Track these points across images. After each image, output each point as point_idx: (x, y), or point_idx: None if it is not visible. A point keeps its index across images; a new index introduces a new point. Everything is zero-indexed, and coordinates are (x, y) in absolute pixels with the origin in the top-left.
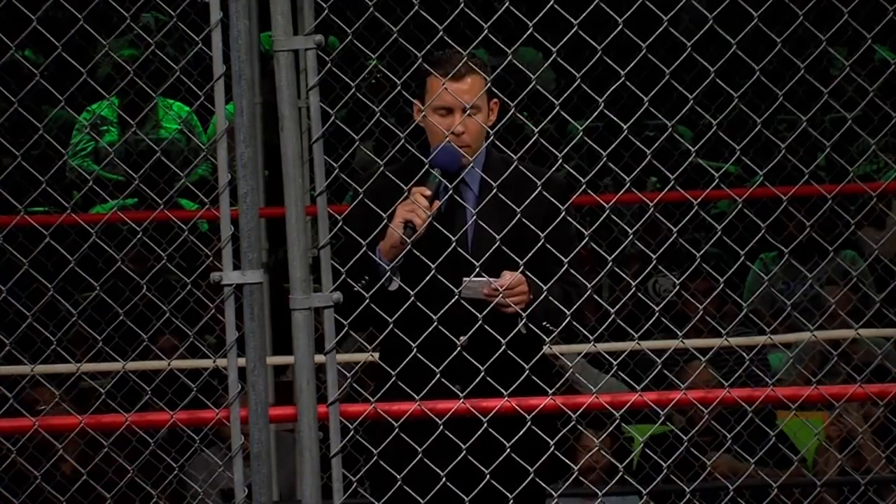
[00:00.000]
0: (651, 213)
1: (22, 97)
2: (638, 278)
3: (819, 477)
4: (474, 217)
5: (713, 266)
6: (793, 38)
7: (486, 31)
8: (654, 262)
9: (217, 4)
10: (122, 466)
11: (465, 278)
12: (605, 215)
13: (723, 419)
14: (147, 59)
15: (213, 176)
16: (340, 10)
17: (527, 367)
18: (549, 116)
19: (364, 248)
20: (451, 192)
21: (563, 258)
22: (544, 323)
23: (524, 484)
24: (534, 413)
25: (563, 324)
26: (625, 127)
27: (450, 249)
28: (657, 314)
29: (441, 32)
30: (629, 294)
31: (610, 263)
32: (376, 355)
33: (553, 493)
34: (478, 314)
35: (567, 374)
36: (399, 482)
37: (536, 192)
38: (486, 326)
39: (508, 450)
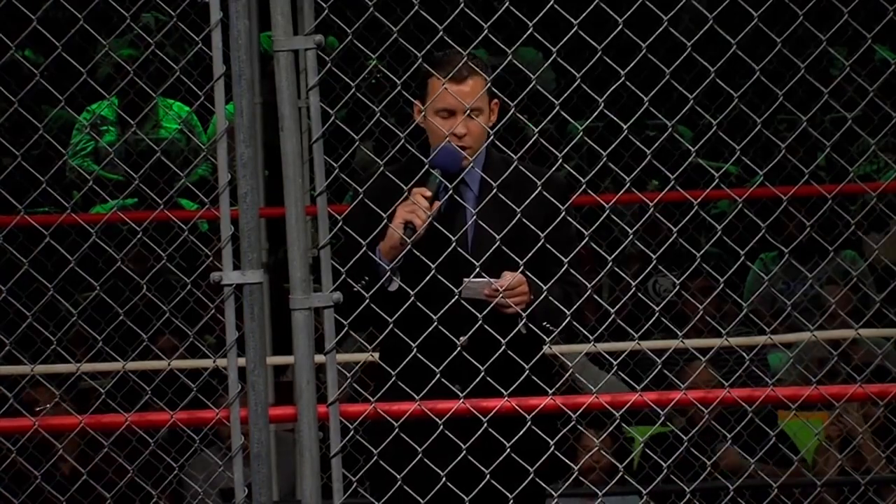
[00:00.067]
0: (651, 213)
1: (22, 97)
2: (638, 278)
3: (819, 477)
4: (474, 217)
5: (713, 266)
6: (793, 38)
7: (486, 31)
8: (654, 262)
9: (217, 4)
10: (122, 466)
11: (465, 279)
12: (605, 215)
13: (723, 419)
14: (147, 59)
15: (213, 176)
16: (340, 10)
17: (527, 367)
18: (549, 116)
19: (364, 249)
20: (450, 192)
21: (563, 258)
22: (544, 323)
23: (524, 484)
24: (534, 413)
25: (563, 324)
26: (625, 127)
27: (450, 249)
28: (657, 314)
29: (441, 32)
30: (629, 294)
31: (610, 263)
32: (376, 355)
33: (553, 493)
34: (478, 314)
35: (567, 375)
36: (399, 482)
37: (536, 192)
38: (486, 326)
39: (508, 450)
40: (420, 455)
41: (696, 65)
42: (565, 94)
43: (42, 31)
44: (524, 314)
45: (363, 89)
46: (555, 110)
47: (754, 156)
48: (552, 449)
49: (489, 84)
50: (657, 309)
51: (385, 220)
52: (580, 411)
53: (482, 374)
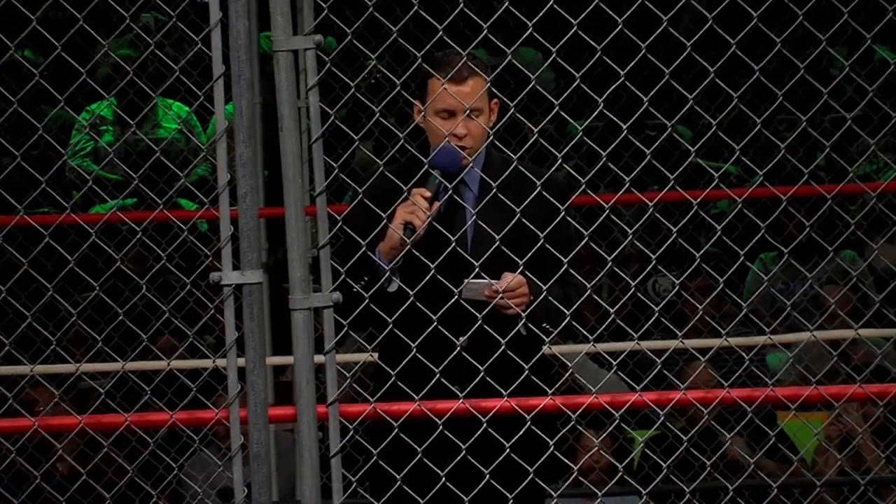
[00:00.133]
0: (651, 213)
1: (22, 97)
2: (638, 278)
3: (819, 477)
4: (474, 217)
5: (713, 266)
6: (793, 38)
7: (485, 31)
8: (654, 262)
9: (217, 4)
10: (122, 466)
11: (465, 280)
12: (604, 215)
13: (723, 419)
14: (146, 59)
15: (213, 176)
16: (340, 10)
17: (526, 367)
18: (549, 116)
19: (364, 249)
20: (450, 192)
21: (562, 258)
22: (544, 324)
23: (524, 484)
24: (534, 413)
25: (563, 324)
26: (624, 127)
27: (449, 250)
28: (657, 314)
29: (441, 32)
30: (629, 294)
31: (610, 263)
32: (376, 355)
33: (553, 493)
34: (477, 314)
35: (567, 374)
36: (399, 482)
37: (536, 192)
38: (485, 327)
39: (508, 450)
40: (420, 455)
41: (695, 65)
42: (565, 94)
43: (42, 31)
44: (524, 315)
45: (363, 89)
46: (554, 110)
47: (754, 156)
48: (552, 449)
49: (489, 84)
50: (657, 309)
51: (385, 221)
52: (580, 411)
53: (482, 374)
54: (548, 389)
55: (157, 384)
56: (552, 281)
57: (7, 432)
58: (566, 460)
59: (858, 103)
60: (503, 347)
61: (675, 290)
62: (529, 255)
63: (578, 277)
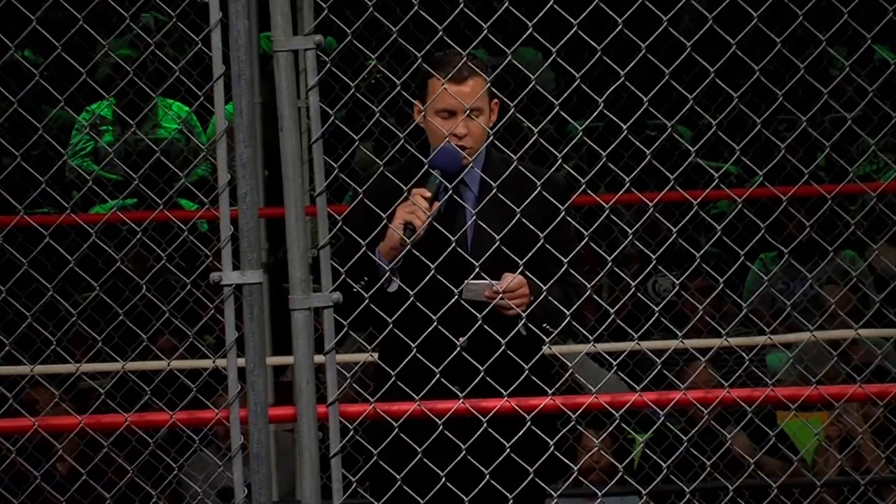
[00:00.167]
0: (651, 213)
1: (22, 97)
2: (638, 278)
3: (819, 477)
4: (474, 218)
5: (713, 266)
6: (793, 38)
7: (485, 31)
8: (654, 262)
9: (217, 4)
10: (122, 466)
11: (466, 280)
12: (604, 215)
13: (723, 419)
14: (146, 59)
15: (213, 176)
16: (340, 10)
17: (526, 367)
18: (549, 116)
19: (364, 249)
20: (450, 192)
21: (562, 258)
22: (544, 324)
23: (524, 484)
24: (534, 413)
25: (563, 324)
26: (624, 127)
27: (449, 250)
28: (657, 314)
29: (441, 32)
30: (629, 294)
31: (610, 263)
32: (376, 355)
33: (553, 493)
34: (477, 314)
35: (567, 374)
36: (399, 482)
37: (536, 192)
38: (485, 327)
39: (508, 450)
40: (420, 455)
41: (695, 65)
42: (565, 94)
43: (42, 31)
44: (524, 315)
45: (363, 89)
46: (554, 110)
47: (754, 156)
48: (552, 449)
49: (489, 84)
50: (657, 309)
51: (385, 221)
52: (580, 411)
53: (482, 374)
54: (548, 389)
55: (157, 384)
56: (552, 281)
57: (7, 432)
58: (566, 460)
59: (858, 103)
60: (503, 347)
61: (675, 290)
62: (529, 255)
63: (578, 277)
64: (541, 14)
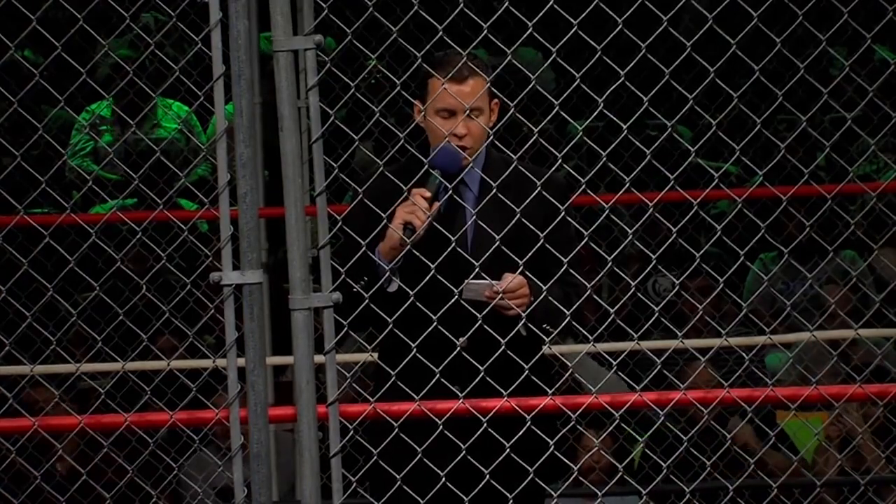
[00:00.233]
0: (651, 213)
1: (22, 97)
2: (637, 278)
3: (819, 477)
4: (474, 218)
5: (713, 266)
6: (793, 38)
7: (485, 31)
8: (654, 262)
9: (217, 4)
10: (122, 466)
11: (466, 280)
12: (604, 215)
13: (722, 419)
14: (146, 59)
15: (213, 176)
16: (340, 10)
17: (526, 367)
18: (549, 116)
19: (364, 249)
20: (450, 192)
21: (562, 258)
22: (544, 324)
23: (524, 484)
24: (534, 413)
25: (563, 324)
26: (625, 127)
27: (449, 250)
28: (657, 314)
29: (441, 32)
30: (629, 294)
31: (610, 263)
32: (376, 355)
33: (553, 493)
34: (477, 314)
35: (567, 374)
36: (399, 482)
37: (536, 192)
38: (485, 327)
39: (508, 450)
40: (420, 455)
41: (695, 65)
42: (565, 94)
43: (42, 31)
44: (524, 315)
45: (363, 89)
46: (554, 110)
47: (754, 156)
48: (552, 449)
49: (489, 84)
50: (657, 309)
51: (385, 221)
52: (580, 411)
53: (482, 374)
54: (548, 389)
55: (157, 384)
56: (552, 281)
57: (7, 432)
58: (566, 460)
59: (858, 103)
60: (503, 347)
61: (675, 290)
62: (529, 255)
63: (578, 277)
64: (541, 14)
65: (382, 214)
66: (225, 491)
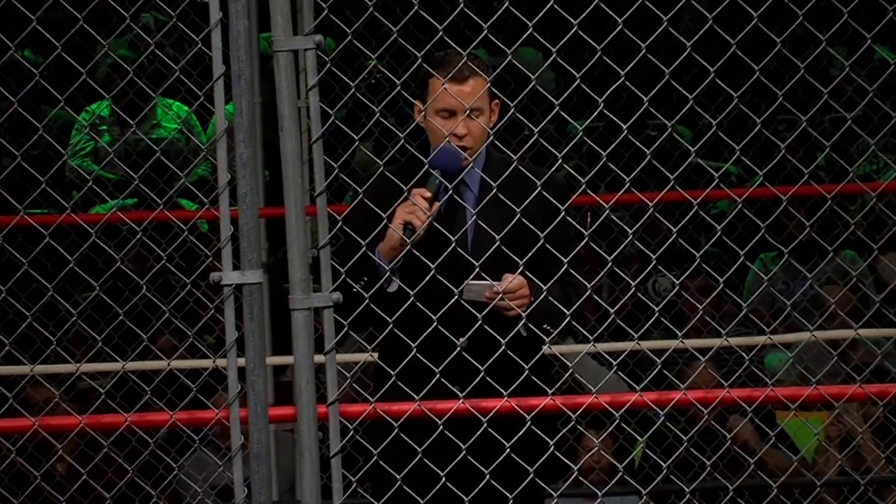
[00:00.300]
0: (651, 213)
1: (22, 97)
2: (638, 278)
3: (819, 477)
4: (474, 218)
5: (713, 266)
6: (793, 38)
7: (485, 31)
8: (654, 262)
9: (217, 4)
10: (122, 466)
11: (466, 281)
12: (604, 215)
13: (723, 419)
14: (146, 59)
15: (213, 176)
16: (340, 11)
17: (526, 367)
18: (549, 116)
19: (364, 249)
20: (450, 192)
21: (562, 259)
22: (544, 325)
23: (524, 484)
24: (534, 413)
25: (563, 324)
26: (625, 127)
27: (449, 250)
28: (657, 314)
29: (441, 32)
30: (629, 294)
31: (610, 263)
32: (376, 355)
33: (553, 493)
34: (477, 315)
35: (567, 374)
36: (399, 482)
37: (536, 192)
38: (485, 327)
39: (508, 450)
40: (420, 455)
41: (696, 65)
42: (565, 94)
43: (42, 31)
44: (524, 315)
45: (363, 89)
46: (554, 110)
47: (754, 156)
48: (552, 449)
49: (489, 84)
50: (657, 309)
51: (385, 221)
52: (580, 411)
53: (482, 374)
54: (548, 389)
55: (157, 384)
56: (552, 281)
57: (7, 432)
58: (566, 460)
59: (858, 103)
60: (503, 348)
61: (675, 289)
62: (529, 255)
63: (578, 277)
64: (541, 14)
65: (382, 214)
66: (225, 491)
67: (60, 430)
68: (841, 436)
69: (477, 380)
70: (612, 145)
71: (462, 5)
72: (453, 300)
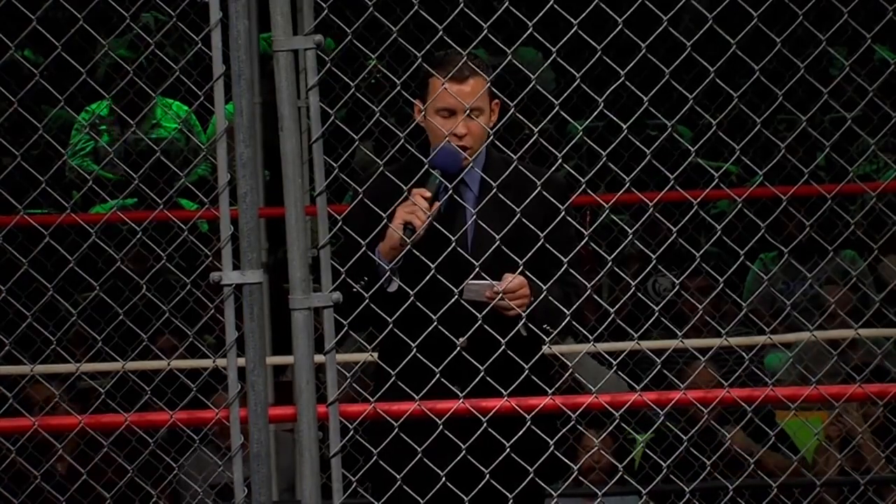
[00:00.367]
0: (651, 213)
1: (22, 97)
2: (637, 278)
3: (819, 477)
4: (474, 218)
5: (713, 266)
6: (793, 38)
7: (485, 31)
8: (654, 261)
9: (217, 4)
10: (122, 466)
11: (466, 281)
12: (604, 215)
13: (722, 419)
14: (145, 59)
15: (213, 176)
16: (340, 10)
17: (526, 367)
18: (549, 116)
19: (364, 249)
20: (450, 192)
21: (562, 258)
22: (544, 325)
23: (524, 484)
24: (534, 413)
25: (563, 324)
26: (625, 127)
27: (449, 250)
28: (657, 314)
29: (441, 32)
30: (629, 294)
31: (609, 263)
32: (376, 355)
33: (553, 493)
34: (477, 314)
35: (567, 374)
36: (399, 482)
37: (536, 192)
38: (485, 327)
39: (508, 450)
40: (420, 455)
41: (696, 65)
42: (565, 94)
43: (42, 31)
44: (524, 315)
45: (363, 89)
46: (554, 110)
47: (754, 156)
48: (552, 449)
49: (489, 84)
50: (657, 309)
51: (385, 221)
52: (580, 411)
53: (482, 374)
54: (548, 389)
55: (157, 384)
56: (552, 281)
57: (7, 432)
58: (566, 460)
59: (858, 103)
60: (503, 347)
61: (675, 289)
62: (529, 255)
63: (578, 277)
64: (541, 14)
65: (382, 214)
66: (225, 490)
67: (60, 429)
68: (841, 436)
69: (477, 380)
70: (612, 145)
71: (462, 5)
72: (453, 300)
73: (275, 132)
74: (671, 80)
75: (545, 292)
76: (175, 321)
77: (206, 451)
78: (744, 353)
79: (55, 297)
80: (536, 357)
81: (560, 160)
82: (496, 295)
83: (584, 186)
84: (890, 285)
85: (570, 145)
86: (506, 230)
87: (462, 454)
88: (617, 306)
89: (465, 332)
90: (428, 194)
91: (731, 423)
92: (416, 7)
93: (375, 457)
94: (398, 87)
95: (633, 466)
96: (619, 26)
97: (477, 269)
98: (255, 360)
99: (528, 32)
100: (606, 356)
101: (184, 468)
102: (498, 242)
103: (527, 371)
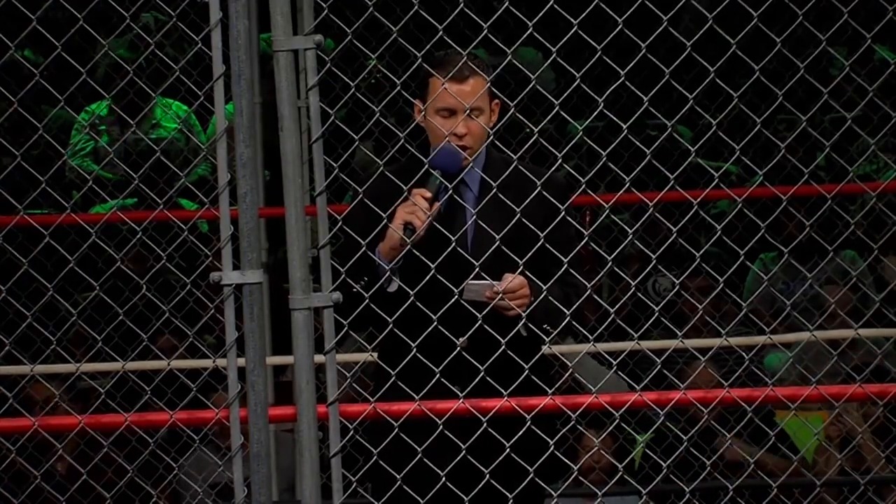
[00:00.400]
0: (651, 213)
1: (22, 97)
2: (638, 278)
3: (819, 477)
4: (474, 218)
5: (713, 266)
6: (793, 38)
7: (485, 31)
8: (654, 261)
9: (217, 4)
10: (122, 466)
11: (466, 281)
12: (604, 215)
13: (722, 419)
14: (145, 59)
15: (213, 176)
16: (340, 11)
17: (526, 367)
18: (549, 116)
19: (364, 249)
20: (450, 192)
21: (562, 258)
22: (544, 325)
23: (524, 484)
24: (534, 413)
25: (563, 324)
26: (625, 127)
27: (449, 250)
28: (657, 314)
29: (441, 32)
30: (629, 294)
31: (610, 263)
32: (376, 355)
33: (553, 493)
34: (477, 314)
35: (567, 374)
36: (399, 482)
37: (536, 192)
38: (485, 327)
39: (508, 450)
40: (420, 455)
41: (696, 65)
42: (565, 94)
43: (42, 31)
44: (524, 315)
45: (363, 89)
46: (554, 110)
47: (754, 156)
48: (552, 449)
49: (489, 84)
50: (657, 309)
51: (385, 221)
52: (580, 411)
53: (482, 374)
54: (548, 389)
55: (157, 384)
56: (552, 281)
57: (7, 432)
58: (566, 460)
59: (858, 103)
60: (503, 347)
61: (675, 289)
62: (529, 255)
63: (578, 277)
64: (541, 14)
65: (382, 214)
66: (225, 490)
67: (60, 429)
68: (841, 436)
69: (477, 380)
70: (612, 145)
71: (462, 5)
72: (453, 300)
73: (275, 132)
74: (671, 80)
75: (545, 292)
76: (175, 321)
77: (206, 451)
78: (744, 353)
79: (55, 297)
80: (536, 357)
81: (560, 160)
82: (496, 295)
83: (584, 186)
84: (890, 285)
85: (570, 145)
86: (506, 230)
87: (462, 454)
88: (617, 306)
89: (465, 332)
90: (428, 194)
91: (730, 430)
92: (416, 7)
93: (375, 457)
94: (398, 87)
95: (633, 466)
96: (619, 26)
97: (477, 269)
98: (255, 360)
99: (528, 32)
100: (606, 356)
101: (184, 468)
102: (498, 242)
103: (527, 371)
